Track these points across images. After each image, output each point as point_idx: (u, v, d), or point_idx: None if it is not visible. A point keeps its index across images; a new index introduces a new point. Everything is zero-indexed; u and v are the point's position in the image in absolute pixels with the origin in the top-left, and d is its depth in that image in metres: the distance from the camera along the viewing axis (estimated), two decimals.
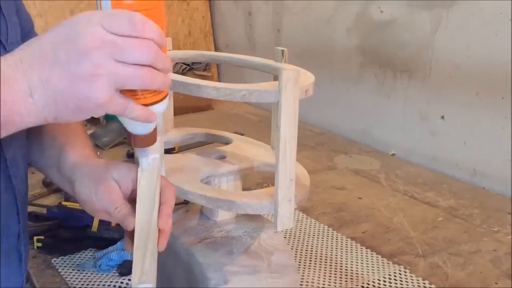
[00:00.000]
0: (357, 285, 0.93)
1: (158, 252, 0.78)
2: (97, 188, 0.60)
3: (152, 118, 0.54)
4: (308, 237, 1.09)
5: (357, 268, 0.99)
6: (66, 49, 0.48)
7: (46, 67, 0.48)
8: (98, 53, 0.47)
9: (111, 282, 0.93)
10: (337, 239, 1.09)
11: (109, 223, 1.05)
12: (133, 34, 0.48)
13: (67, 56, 0.47)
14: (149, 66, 0.49)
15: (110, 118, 1.72)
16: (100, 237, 1.03)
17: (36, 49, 0.49)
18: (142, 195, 0.58)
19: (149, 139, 0.58)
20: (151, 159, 0.60)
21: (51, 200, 1.25)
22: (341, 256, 1.02)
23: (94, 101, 0.48)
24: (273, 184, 0.70)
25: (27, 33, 0.81)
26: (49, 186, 1.31)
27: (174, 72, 0.74)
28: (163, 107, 0.55)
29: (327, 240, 1.08)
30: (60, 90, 0.48)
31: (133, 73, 0.48)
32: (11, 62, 0.48)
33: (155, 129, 0.57)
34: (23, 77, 0.48)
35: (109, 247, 0.99)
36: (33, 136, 0.73)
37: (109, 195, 0.60)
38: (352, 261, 1.01)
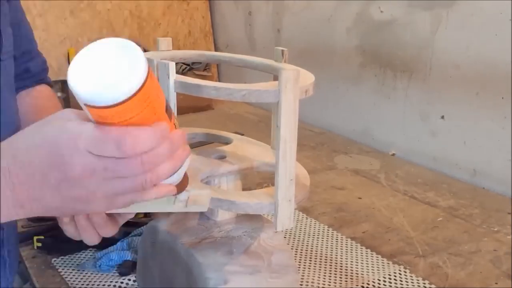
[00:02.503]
0: (357, 285, 0.93)
1: (158, 252, 0.77)
2: None
3: (171, 192, 0.51)
4: (308, 237, 1.09)
5: (357, 268, 0.98)
6: (55, 175, 0.45)
7: (37, 187, 0.46)
8: (91, 181, 0.45)
9: (111, 282, 0.93)
10: (337, 239, 1.09)
11: None
12: (123, 157, 0.45)
13: (57, 181, 0.46)
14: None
15: None
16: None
17: (25, 164, 0.46)
18: None
19: (181, 186, 0.54)
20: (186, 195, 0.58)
21: None
22: (341, 256, 1.02)
23: (93, 211, 0.48)
24: (273, 184, 0.70)
25: (26, 50, 0.84)
26: None
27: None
28: (184, 169, 0.51)
29: (327, 240, 1.08)
30: (54, 206, 0.48)
31: (131, 185, 0.46)
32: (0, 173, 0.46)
33: (185, 176, 0.54)
34: (12, 192, 0.47)
35: (109, 247, 0.99)
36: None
37: None
38: (352, 261, 1.00)
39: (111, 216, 0.57)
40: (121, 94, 0.41)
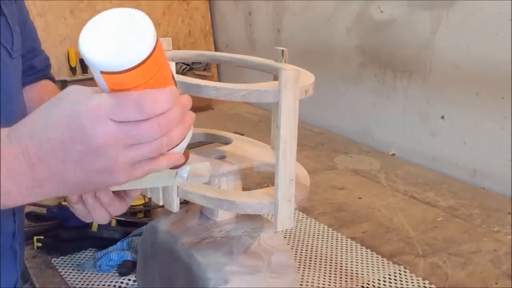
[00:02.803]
0: (357, 285, 0.93)
1: (158, 252, 0.77)
2: None
3: (180, 161, 0.52)
4: (308, 237, 1.09)
5: (357, 268, 0.98)
6: (78, 148, 0.45)
7: (58, 163, 0.46)
8: (113, 149, 0.45)
9: (111, 282, 0.93)
10: (337, 239, 1.09)
11: (109, 222, 1.05)
12: (143, 119, 0.45)
13: (80, 155, 0.45)
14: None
15: None
16: (100, 237, 1.03)
17: (44, 142, 0.46)
18: None
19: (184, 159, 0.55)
20: (187, 169, 0.58)
21: (51, 200, 1.24)
22: (341, 256, 1.02)
23: (115, 183, 0.48)
24: (273, 184, 0.70)
25: (31, 48, 0.84)
26: None
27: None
28: (187, 140, 0.53)
29: (327, 240, 1.08)
30: (76, 181, 0.47)
31: (150, 149, 0.47)
32: (17, 153, 0.46)
33: (186, 149, 0.55)
34: (32, 171, 0.46)
35: (109, 247, 0.99)
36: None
37: None
38: (352, 261, 1.00)
39: (117, 194, 0.58)
40: (136, 57, 0.43)
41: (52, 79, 0.93)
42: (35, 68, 0.87)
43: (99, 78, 0.45)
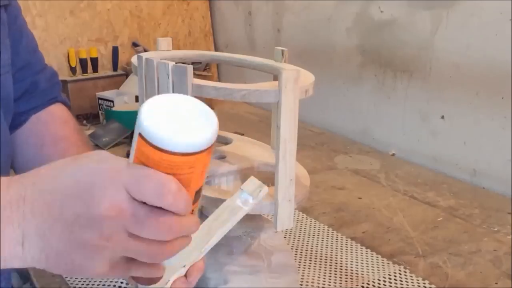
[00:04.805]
0: (357, 285, 0.93)
1: None
2: None
3: (158, 277, 0.45)
4: (308, 237, 1.09)
5: (357, 268, 0.98)
6: (76, 209, 0.39)
7: (49, 220, 0.40)
8: (112, 223, 0.39)
9: (111, 282, 0.93)
10: (337, 239, 1.09)
11: None
12: (159, 205, 0.39)
13: (74, 217, 0.39)
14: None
15: (110, 118, 1.72)
16: None
17: (46, 193, 0.40)
18: None
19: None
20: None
21: None
22: (341, 256, 1.02)
23: (90, 271, 0.41)
24: (273, 184, 0.70)
25: (26, 63, 0.75)
26: None
27: None
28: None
29: (327, 240, 1.08)
30: (56, 249, 0.40)
31: (142, 249, 0.40)
32: (13, 198, 0.40)
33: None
34: (20, 222, 0.40)
35: None
36: (26, 147, 0.70)
37: None
38: (352, 261, 1.01)
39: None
40: (200, 144, 0.41)
41: (64, 102, 0.82)
42: (39, 86, 0.77)
43: (139, 147, 0.41)
